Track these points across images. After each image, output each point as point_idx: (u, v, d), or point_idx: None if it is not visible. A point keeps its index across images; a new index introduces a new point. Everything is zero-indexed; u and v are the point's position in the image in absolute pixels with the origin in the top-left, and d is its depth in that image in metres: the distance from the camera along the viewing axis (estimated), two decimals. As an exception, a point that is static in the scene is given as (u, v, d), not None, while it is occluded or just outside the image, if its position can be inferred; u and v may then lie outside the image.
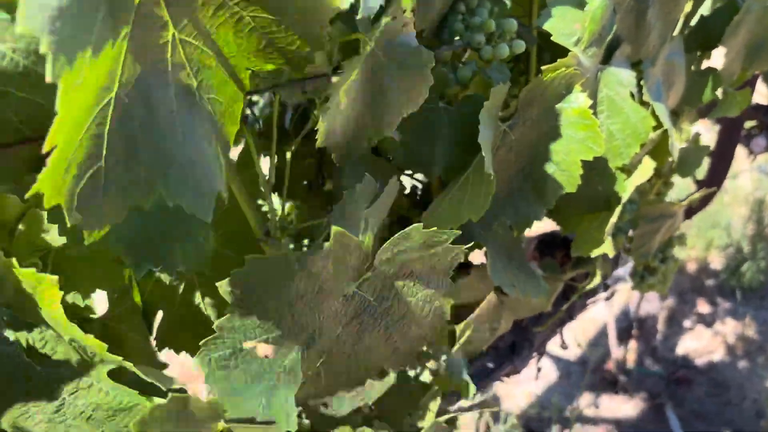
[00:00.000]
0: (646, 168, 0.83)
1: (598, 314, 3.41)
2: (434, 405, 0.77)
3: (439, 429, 0.65)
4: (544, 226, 1.18)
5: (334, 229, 0.48)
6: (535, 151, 0.75)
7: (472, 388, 0.64)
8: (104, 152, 0.36)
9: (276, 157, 0.72)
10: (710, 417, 2.88)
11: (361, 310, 0.56)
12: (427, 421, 0.65)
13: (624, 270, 2.85)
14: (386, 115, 0.64)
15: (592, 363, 3.10)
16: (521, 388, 3.03)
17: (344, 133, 0.61)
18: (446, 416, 0.67)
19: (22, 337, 0.46)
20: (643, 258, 1.02)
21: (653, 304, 2.90)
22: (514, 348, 1.12)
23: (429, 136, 0.72)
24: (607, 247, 0.85)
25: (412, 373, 0.69)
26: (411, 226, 0.53)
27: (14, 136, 0.44)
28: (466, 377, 0.65)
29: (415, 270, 0.56)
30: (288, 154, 0.68)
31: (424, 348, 0.63)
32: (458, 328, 0.68)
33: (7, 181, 0.47)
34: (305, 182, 0.95)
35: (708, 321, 3.44)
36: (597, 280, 0.92)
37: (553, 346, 3.24)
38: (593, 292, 1.22)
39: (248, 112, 0.95)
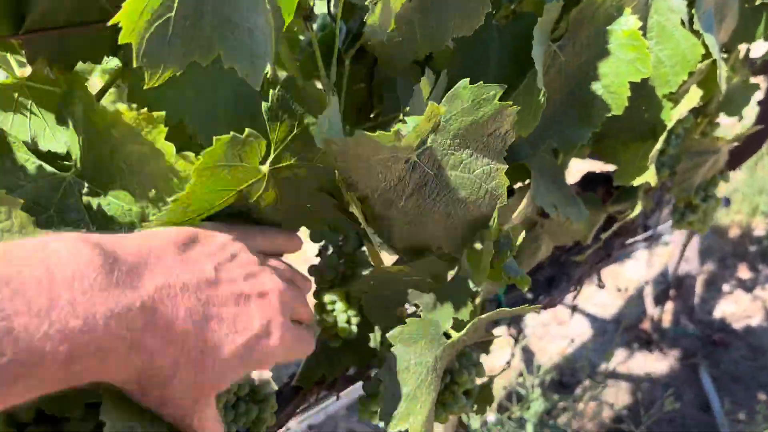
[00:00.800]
0: (693, 96, 0.84)
1: (636, 274, 3.40)
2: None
3: (481, 325, 0.68)
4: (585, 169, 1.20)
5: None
6: (584, 72, 0.77)
7: (528, 281, 0.67)
8: (176, 5, 0.40)
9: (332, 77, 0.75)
10: (746, 380, 2.88)
11: (422, 183, 0.60)
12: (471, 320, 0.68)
13: (664, 227, 2.84)
14: (439, 30, 0.66)
15: (628, 321, 3.11)
16: (555, 344, 3.07)
17: (391, 37, 0.64)
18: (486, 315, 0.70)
19: (94, 201, 0.52)
20: (685, 193, 1.03)
21: (692, 265, 2.88)
22: (552, 281, 1.15)
23: (481, 54, 0.75)
24: (650, 176, 0.87)
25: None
26: (459, 83, 0.57)
27: (99, 15, 0.48)
28: (522, 272, 0.68)
29: (470, 141, 0.60)
30: (347, 62, 0.71)
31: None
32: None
33: (89, 58, 0.52)
34: (357, 108, 0.98)
35: (748, 286, 3.41)
36: (638, 209, 0.94)
37: (588, 304, 3.26)
38: (633, 231, 1.24)
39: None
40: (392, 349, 0.64)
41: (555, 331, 3.15)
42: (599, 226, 1.09)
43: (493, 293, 1.01)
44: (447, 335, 0.71)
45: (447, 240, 0.65)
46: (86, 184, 0.52)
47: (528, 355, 2.92)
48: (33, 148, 0.53)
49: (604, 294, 3.35)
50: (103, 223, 0.52)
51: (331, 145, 0.52)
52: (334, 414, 2.58)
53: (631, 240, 1.25)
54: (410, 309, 0.79)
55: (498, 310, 0.67)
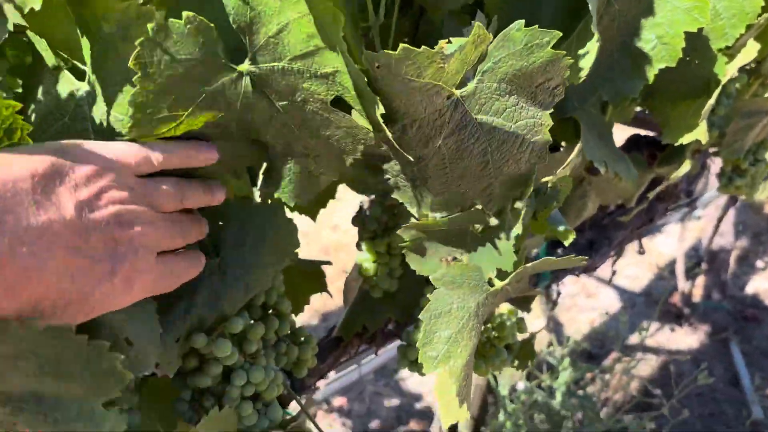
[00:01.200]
0: (750, 50, 0.81)
1: (667, 249, 3.36)
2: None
3: (525, 276, 0.67)
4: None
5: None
6: (637, 21, 0.75)
7: (572, 234, 0.66)
8: None
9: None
10: (776, 356, 2.85)
11: (463, 124, 0.59)
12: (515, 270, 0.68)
13: (700, 201, 2.80)
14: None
15: (658, 296, 3.08)
16: (584, 316, 3.05)
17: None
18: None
19: (98, 111, 0.52)
20: (734, 155, 1.00)
21: (727, 239, 2.84)
22: (592, 245, 1.13)
23: (533, 1, 0.73)
24: (701, 133, 0.85)
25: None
26: (513, 24, 0.55)
27: None
28: (567, 225, 0.67)
29: (517, 88, 0.58)
30: (395, 10, 0.70)
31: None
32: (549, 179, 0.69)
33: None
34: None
35: (782, 263, 3.36)
36: (686, 167, 0.92)
37: (617, 277, 3.23)
38: (676, 197, 1.22)
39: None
40: (435, 292, 0.64)
41: (583, 303, 3.14)
42: (644, 189, 1.07)
43: (535, 248, 1.00)
44: (490, 284, 0.70)
45: (481, 194, 0.64)
46: (97, 95, 0.52)
47: (556, 327, 2.91)
48: (69, 66, 0.53)
49: (633, 267, 3.32)
50: (104, 136, 0.52)
51: (375, 60, 0.51)
52: (361, 378, 2.60)
53: (673, 205, 1.23)
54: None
55: (543, 259, 0.66)
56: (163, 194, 0.52)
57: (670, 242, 3.38)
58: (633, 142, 1.13)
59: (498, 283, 0.69)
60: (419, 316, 0.63)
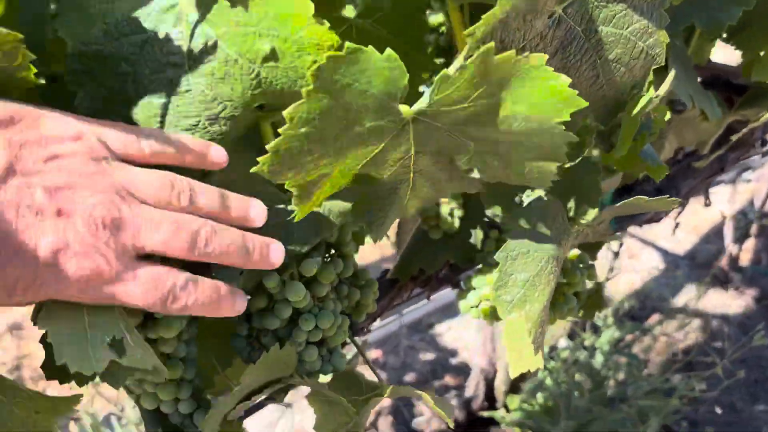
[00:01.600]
0: None
1: (715, 211, 3.25)
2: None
3: (606, 219, 0.62)
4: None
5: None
6: (742, -60, 0.67)
7: (664, 170, 0.60)
8: None
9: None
10: (825, 323, 2.76)
11: (567, 41, 0.53)
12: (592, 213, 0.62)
13: (753, 161, 2.69)
14: None
15: (702, 259, 2.99)
16: (625, 277, 2.98)
17: None
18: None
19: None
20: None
21: (781, 202, 2.73)
22: (659, 193, 1.07)
23: None
24: (798, 69, 0.77)
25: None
26: None
27: None
28: (660, 160, 0.61)
29: None
30: None
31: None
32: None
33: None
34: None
35: (837, 228, 3.24)
36: (777, 109, 0.85)
37: (661, 239, 3.14)
38: (750, 145, 1.14)
39: None
40: (512, 232, 0.59)
41: (625, 264, 3.06)
42: (720, 134, 1.00)
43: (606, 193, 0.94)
44: (572, 224, 0.64)
45: (594, 106, 0.58)
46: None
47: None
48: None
49: (677, 231, 3.22)
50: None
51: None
52: (396, 331, 2.58)
53: (746, 156, 1.15)
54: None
55: (634, 198, 0.61)
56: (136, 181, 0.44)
57: (718, 205, 3.27)
58: (709, 84, 1.05)
59: (580, 223, 0.63)
60: (495, 257, 0.58)
